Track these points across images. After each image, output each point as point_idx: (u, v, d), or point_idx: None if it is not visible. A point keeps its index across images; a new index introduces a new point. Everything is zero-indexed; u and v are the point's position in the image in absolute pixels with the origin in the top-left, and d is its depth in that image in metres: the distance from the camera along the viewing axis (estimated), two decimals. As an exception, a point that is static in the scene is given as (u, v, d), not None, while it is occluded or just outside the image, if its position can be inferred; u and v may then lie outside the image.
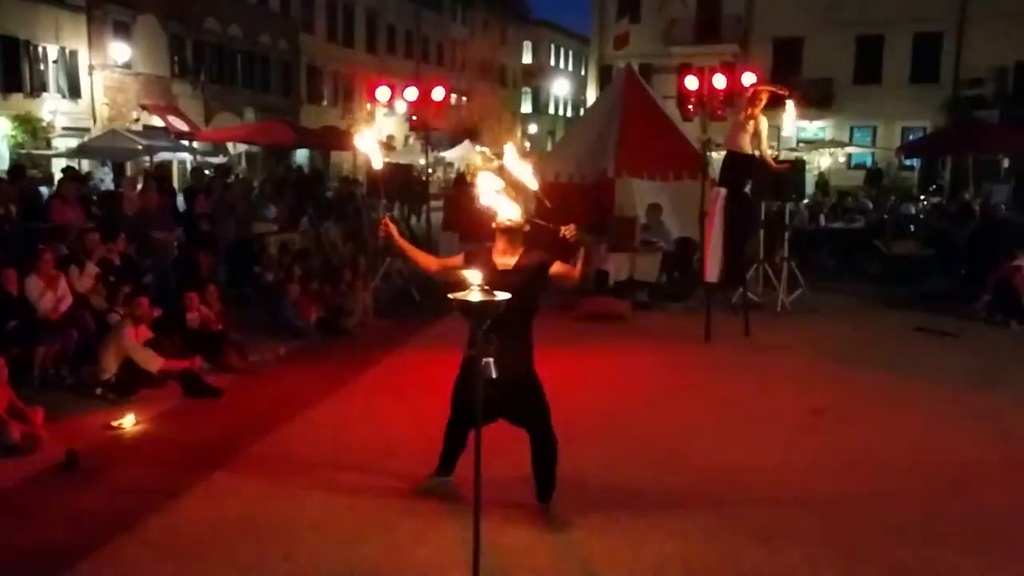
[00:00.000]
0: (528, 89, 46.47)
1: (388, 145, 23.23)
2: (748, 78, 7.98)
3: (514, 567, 3.22)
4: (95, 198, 10.52)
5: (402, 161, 15.54)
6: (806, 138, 23.66)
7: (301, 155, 24.58)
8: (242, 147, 21.65)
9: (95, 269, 6.40)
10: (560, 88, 46.79)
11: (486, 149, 30.94)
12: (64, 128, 18.18)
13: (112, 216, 8.60)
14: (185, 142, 18.75)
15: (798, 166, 9.10)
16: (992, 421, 5.08)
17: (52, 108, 17.96)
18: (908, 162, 22.25)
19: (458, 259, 3.64)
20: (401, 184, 10.19)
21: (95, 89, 19.46)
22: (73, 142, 17.48)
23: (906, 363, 6.45)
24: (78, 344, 5.65)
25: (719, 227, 7.33)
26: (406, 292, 9.07)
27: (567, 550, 3.38)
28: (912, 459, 4.44)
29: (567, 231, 3.30)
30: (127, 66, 20.31)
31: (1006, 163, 19.08)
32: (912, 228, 12.24)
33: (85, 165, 16.74)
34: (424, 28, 35.43)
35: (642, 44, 25.89)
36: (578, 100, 44.78)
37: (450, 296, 2.56)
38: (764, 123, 7.46)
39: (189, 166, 19.24)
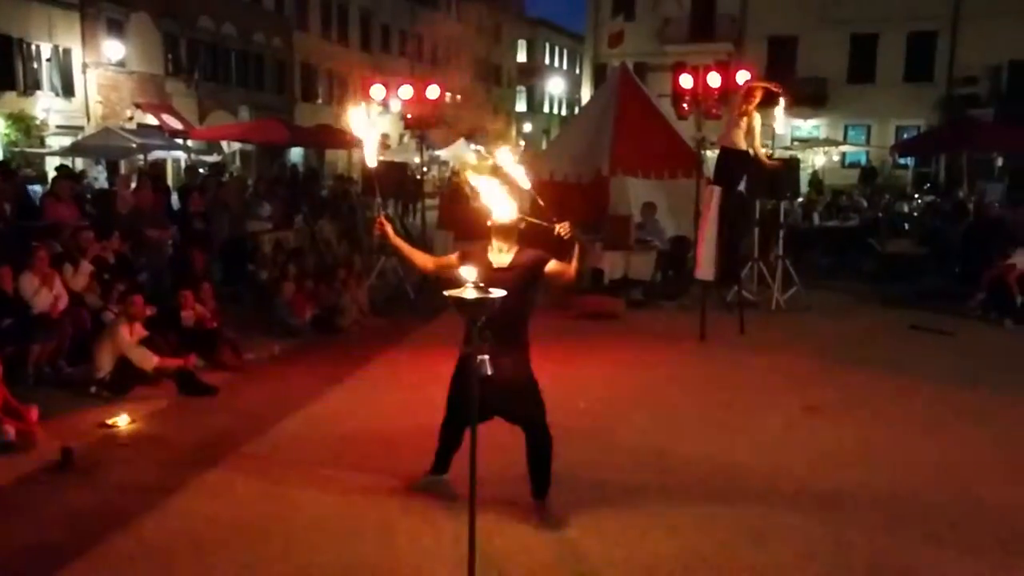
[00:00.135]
0: (523, 87, 46.47)
1: (383, 143, 23.19)
2: (743, 76, 8.00)
3: (510, 565, 3.22)
4: (89, 196, 10.48)
5: (397, 159, 15.53)
6: (800, 137, 23.75)
7: (296, 153, 24.52)
8: (236, 145, 21.59)
9: (89, 267, 6.38)
10: (555, 86, 46.82)
11: (481, 148, 30.94)
12: (58, 126, 18.10)
13: (106, 214, 8.56)
14: (179, 140, 18.68)
15: (792, 164, 9.13)
16: (986, 419, 5.11)
17: (46, 106, 17.87)
18: (902, 161, 22.33)
19: (453, 258, 3.64)
20: (396, 182, 10.18)
21: (89, 87, 19.37)
22: (67, 140, 17.41)
23: (901, 361, 6.48)
24: (73, 340, 5.64)
25: (713, 225, 7.34)
26: (401, 290, 9.06)
27: (562, 547, 3.38)
28: (906, 457, 4.46)
29: (562, 228, 3.30)
30: (121, 64, 20.23)
31: (1000, 161, 19.18)
32: (906, 226, 12.30)
33: (79, 163, 16.68)
34: (419, 26, 35.37)
35: (637, 43, 25.91)
36: (573, 99, 44.80)
37: (445, 293, 2.57)
38: (758, 120, 7.48)
39: (183, 164, 19.17)
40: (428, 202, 13.61)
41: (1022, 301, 7.97)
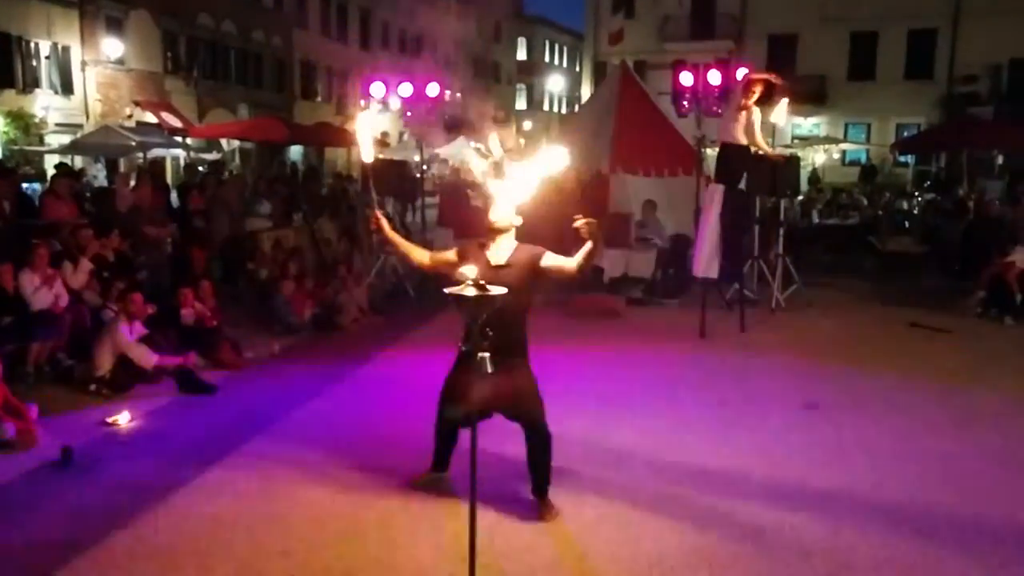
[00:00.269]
0: (522, 86, 46.42)
1: (382, 142, 23.17)
2: (742, 74, 8.00)
3: (511, 562, 3.22)
4: (88, 194, 10.46)
5: (396, 158, 15.50)
6: (800, 134, 23.76)
7: (295, 151, 24.51)
8: (235, 143, 21.56)
9: (89, 265, 6.37)
10: (555, 84, 46.76)
11: (481, 145, 30.92)
12: (57, 124, 18.08)
13: (105, 212, 8.55)
14: (178, 138, 18.66)
15: (792, 162, 9.13)
16: (986, 417, 5.11)
17: (45, 104, 17.85)
18: (902, 159, 22.33)
19: (450, 253, 3.63)
20: (396, 181, 10.17)
21: (88, 85, 19.35)
22: (66, 138, 17.38)
23: (900, 359, 6.48)
24: (73, 335, 5.64)
25: (714, 223, 7.34)
26: (400, 289, 9.06)
27: (563, 545, 3.38)
28: (906, 455, 4.46)
29: (582, 226, 3.24)
30: (120, 62, 20.20)
31: (1000, 160, 19.17)
32: (907, 224, 12.30)
33: (78, 161, 16.67)
34: (418, 24, 35.32)
35: (637, 40, 25.90)
36: (573, 97, 44.77)
37: (446, 291, 2.56)
38: (757, 114, 7.48)
39: (182, 162, 19.16)
40: (428, 200, 13.59)
41: (1022, 299, 7.97)
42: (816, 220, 12.65)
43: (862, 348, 6.92)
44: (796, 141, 21.90)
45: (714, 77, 8.36)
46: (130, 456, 4.36)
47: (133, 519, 3.56)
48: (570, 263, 3.50)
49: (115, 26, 20.07)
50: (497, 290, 2.55)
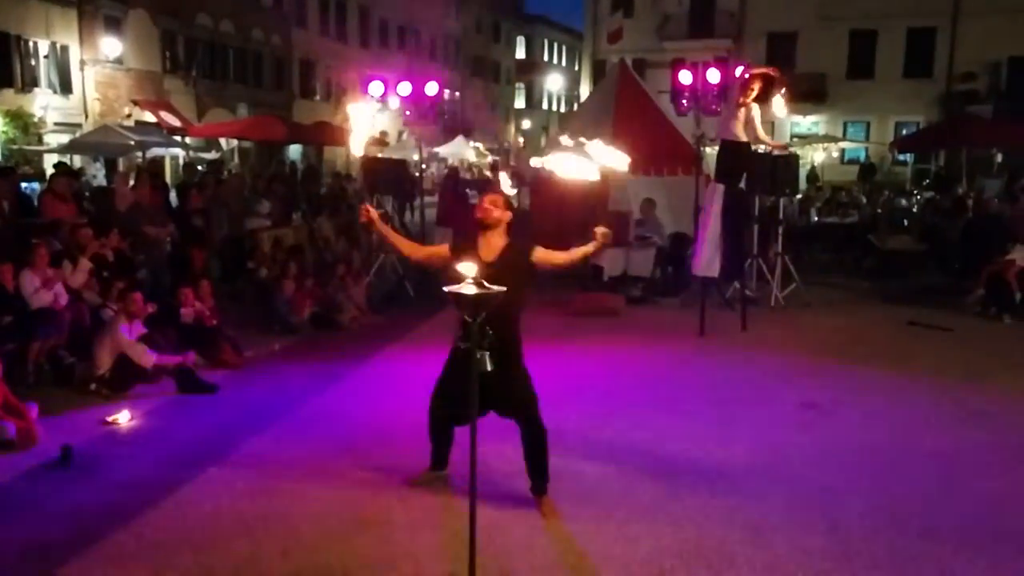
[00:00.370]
0: (521, 84, 46.41)
1: (381, 141, 23.16)
2: (739, 70, 8.00)
3: (510, 560, 3.23)
4: (87, 194, 10.46)
5: (395, 156, 15.48)
6: (799, 133, 23.76)
7: (294, 150, 24.50)
8: (234, 142, 21.53)
9: (88, 264, 6.38)
10: (553, 83, 46.77)
11: (480, 144, 30.89)
12: (56, 124, 18.06)
13: (105, 212, 8.55)
14: (177, 138, 18.64)
15: (791, 160, 9.14)
16: (985, 415, 5.12)
17: (43, 103, 17.83)
18: (901, 157, 22.34)
19: (443, 248, 3.67)
20: (394, 179, 10.18)
21: (86, 84, 19.32)
22: (65, 138, 17.36)
23: (899, 357, 6.49)
24: (72, 333, 5.64)
25: (716, 222, 7.35)
26: (400, 287, 9.06)
27: (563, 543, 3.39)
28: (905, 452, 4.47)
29: (600, 235, 3.31)
30: (118, 61, 20.18)
31: (999, 158, 19.18)
32: (905, 223, 12.30)
33: (77, 161, 16.65)
34: (417, 23, 35.30)
35: (635, 39, 25.87)
36: (571, 95, 44.76)
37: (445, 289, 2.56)
38: (756, 110, 7.48)
39: (181, 162, 19.14)
40: (428, 199, 13.59)
41: (1021, 297, 7.98)
42: (815, 218, 12.65)
43: (861, 346, 6.92)
44: (795, 139, 21.88)
45: (713, 76, 8.37)
46: (130, 455, 4.37)
47: (133, 518, 3.56)
48: (560, 257, 3.54)
49: (114, 25, 20.04)
50: (497, 288, 2.55)
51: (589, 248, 3.44)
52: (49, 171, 12.68)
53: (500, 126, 37.41)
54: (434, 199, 13.83)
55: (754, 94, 7.33)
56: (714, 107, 8.55)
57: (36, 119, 17.35)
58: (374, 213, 3.66)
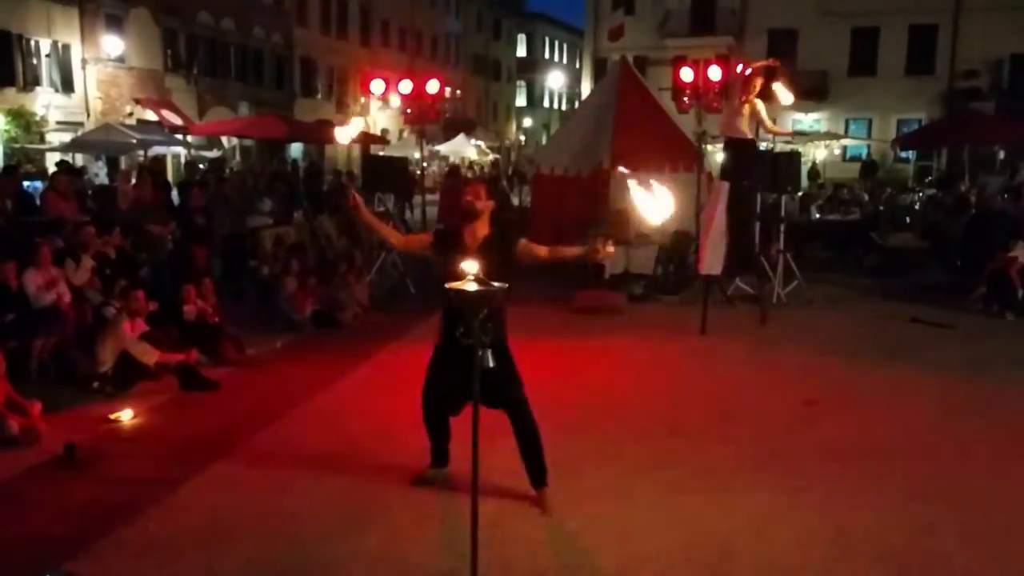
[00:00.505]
0: (522, 82, 46.37)
1: (382, 139, 23.17)
2: (740, 68, 8.00)
3: (512, 557, 3.24)
4: (90, 192, 10.48)
5: (396, 155, 15.49)
6: (801, 130, 23.69)
7: (296, 149, 24.50)
8: (236, 141, 21.56)
9: (91, 262, 6.39)
10: (555, 81, 46.72)
11: (481, 143, 30.89)
12: (58, 122, 18.07)
13: (107, 210, 8.57)
14: (179, 136, 18.66)
15: (793, 157, 9.12)
16: (987, 412, 5.11)
17: (45, 102, 17.84)
18: (903, 154, 22.30)
19: (427, 235, 3.72)
20: (395, 177, 10.19)
21: (88, 83, 19.33)
22: (67, 136, 17.38)
23: (902, 354, 6.48)
24: (76, 331, 5.65)
25: (721, 220, 7.34)
26: (401, 285, 9.07)
27: (564, 540, 3.40)
28: (907, 449, 4.47)
29: (604, 253, 3.34)
30: (120, 60, 20.18)
31: (1001, 155, 19.14)
32: (908, 220, 12.28)
33: (79, 159, 16.66)
34: (418, 21, 35.28)
35: (637, 37, 25.82)
36: (573, 93, 44.70)
37: (447, 286, 2.57)
38: (760, 104, 7.47)
39: (183, 160, 19.16)
40: (429, 197, 13.60)
41: (1023, 294, 7.96)
42: (816, 216, 12.63)
43: (863, 344, 6.92)
44: (797, 137, 21.85)
45: (714, 73, 8.34)
46: (133, 452, 4.38)
47: (137, 515, 3.58)
48: (544, 251, 3.58)
49: (115, 24, 20.05)
50: (499, 285, 2.55)
51: (578, 251, 3.46)
52: (51, 170, 12.69)
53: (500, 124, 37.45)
54: (435, 197, 13.85)
55: (757, 90, 7.33)
56: (715, 104, 8.53)
57: (38, 118, 17.37)
58: (360, 200, 3.67)
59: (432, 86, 9.48)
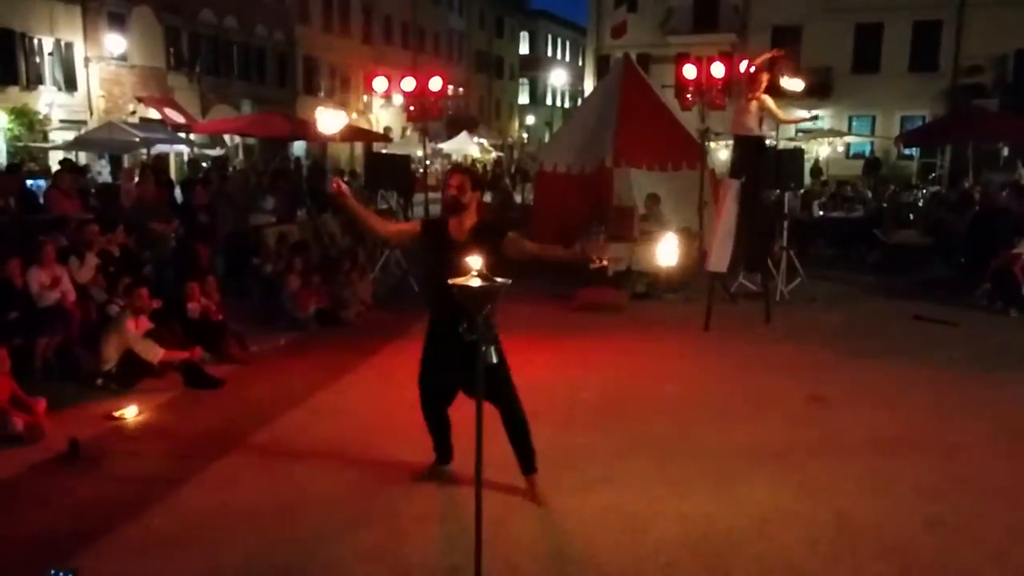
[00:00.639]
0: (525, 80, 46.31)
1: (384, 136, 23.18)
2: (744, 65, 7.97)
3: (516, 553, 3.24)
4: (93, 191, 10.51)
5: (399, 153, 15.49)
6: (804, 127, 23.62)
7: (298, 147, 24.50)
8: (239, 139, 21.57)
9: (95, 260, 6.41)
10: (557, 79, 46.68)
11: (484, 140, 30.87)
12: (61, 121, 18.10)
13: (110, 208, 8.59)
14: (182, 134, 18.68)
15: (796, 154, 9.09)
16: (991, 409, 5.10)
17: (48, 101, 17.87)
18: (907, 151, 22.22)
19: (413, 225, 3.74)
20: (397, 175, 10.20)
21: (91, 81, 19.36)
22: (70, 135, 17.41)
23: (905, 351, 6.47)
24: (81, 329, 5.67)
25: (730, 218, 7.33)
26: (404, 283, 9.07)
27: (568, 534, 3.40)
28: (910, 446, 4.46)
29: (597, 266, 3.34)
30: (123, 58, 20.20)
31: (1006, 151, 19.06)
32: (911, 217, 12.24)
33: (82, 158, 16.69)
34: (421, 19, 35.25)
35: (640, 34, 25.77)
36: (576, 91, 44.64)
37: (450, 282, 2.57)
38: (768, 99, 7.47)
39: (186, 158, 19.19)
40: (433, 195, 13.61)
41: (1028, 291, 7.93)
42: (819, 213, 12.60)
43: (867, 341, 6.91)
44: (800, 134, 21.79)
45: (717, 70, 8.33)
46: (137, 449, 4.39)
47: (141, 511, 3.59)
48: (533, 247, 3.59)
49: (118, 22, 20.06)
50: (503, 280, 2.55)
51: (571, 255, 3.46)
52: (54, 168, 12.72)
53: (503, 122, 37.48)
54: (439, 195, 13.83)
55: (764, 87, 7.31)
56: (718, 101, 8.51)
57: (41, 116, 17.39)
58: (345, 188, 3.63)
59: (435, 83, 9.47)
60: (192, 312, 6.22)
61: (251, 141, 22.12)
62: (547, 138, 37.02)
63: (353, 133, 17.45)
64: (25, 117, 16.79)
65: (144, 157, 16.85)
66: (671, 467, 4.10)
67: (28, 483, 3.97)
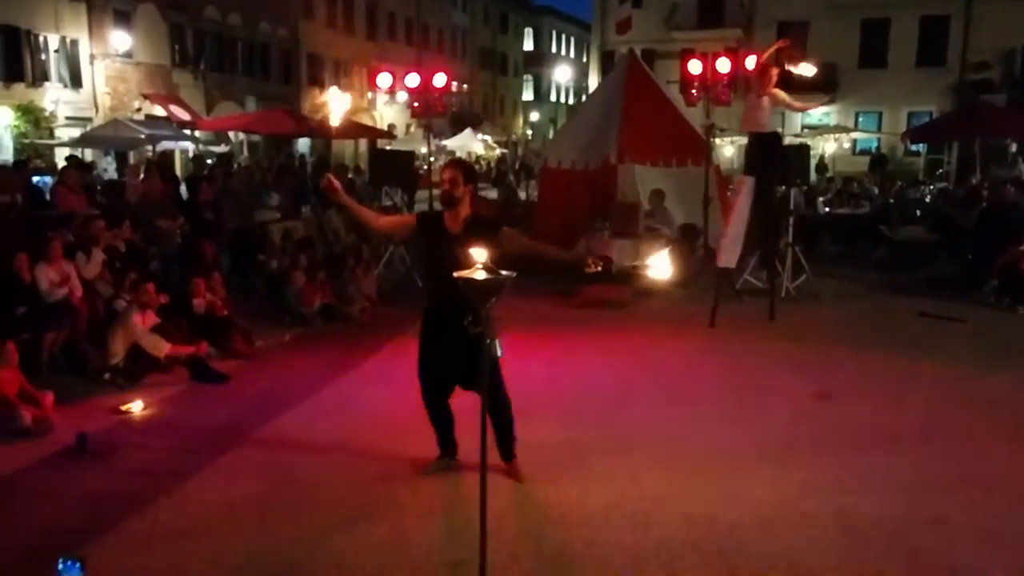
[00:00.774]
0: (529, 76, 46.24)
1: (388, 133, 23.17)
2: (750, 61, 7.93)
3: (520, 547, 3.25)
4: (99, 187, 10.55)
5: (403, 149, 15.48)
6: (810, 124, 23.55)
7: (303, 143, 24.52)
8: (243, 135, 21.61)
9: (102, 256, 6.43)
10: (562, 75, 46.56)
11: (488, 137, 30.83)
12: (67, 118, 18.15)
13: (117, 204, 8.62)
14: (187, 131, 18.73)
15: (803, 150, 9.05)
16: (998, 406, 5.08)
17: (54, 98, 17.92)
18: (914, 147, 22.09)
19: (409, 218, 3.76)
20: (401, 171, 10.20)
21: (96, 78, 19.41)
22: (76, 132, 17.46)
23: (911, 348, 6.44)
24: (88, 325, 5.70)
25: (742, 214, 7.31)
26: (409, 279, 9.09)
27: (573, 530, 3.40)
28: (916, 443, 4.44)
29: (592, 266, 3.38)
30: (128, 55, 20.25)
31: (1013, 148, 18.94)
32: (918, 213, 12.19)
33: (88, 155, 16.75)
34: (425, 15, 35.20)
35: (644, 30, 25.71)
36: (580, 87, 44.57)
37: (455, 275, 2.57)
38: (781, 92, 7.45)
39: (191, 155, 19.23)
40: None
41: (1035, 287, 7.89)
42: (826, 209, 12.55)
43: (872, 337, 6.88)
44: (806, 130, 21.71)
45: (723, 65, 8.29)
46: (143, 443, 4.42)
47: (147, 504, 3.61)
48: (529, 244, 3.60)
49: (123, 19, 20.10)
50: (507, 273, 2.55)
51: (568, 257, 3.47)
52: (60, 165, 12.77)
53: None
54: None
55: (775, 81, 7.29)
56: (723, 97, 8.47)
57: (47, 113, 17.45)
58: (337, 183, 3.62)
59: (439, 79, 9.46)
60: (198, 308, 6.24)
61: (255, 138, 22.17)
62: (551, 135, 36.97)
63: (357, 130, 17.48)
64: (31, 114, 16.84)
65: (149, 154, 16.89)
66: (675, 462, 4.10)
67: (36, 475, 4.00)
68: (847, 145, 24.09)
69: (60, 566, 2.08)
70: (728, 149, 20.42)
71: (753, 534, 3.36)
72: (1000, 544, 3.32)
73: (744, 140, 9.46)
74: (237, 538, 3.33)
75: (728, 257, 7.40)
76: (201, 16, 22.74)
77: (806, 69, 7.83)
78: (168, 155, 18.82)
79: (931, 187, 15.44)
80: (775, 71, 7.32)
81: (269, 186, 11.16)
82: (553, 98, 47.72)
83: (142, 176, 9.60)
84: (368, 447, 4.28)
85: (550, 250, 3.64)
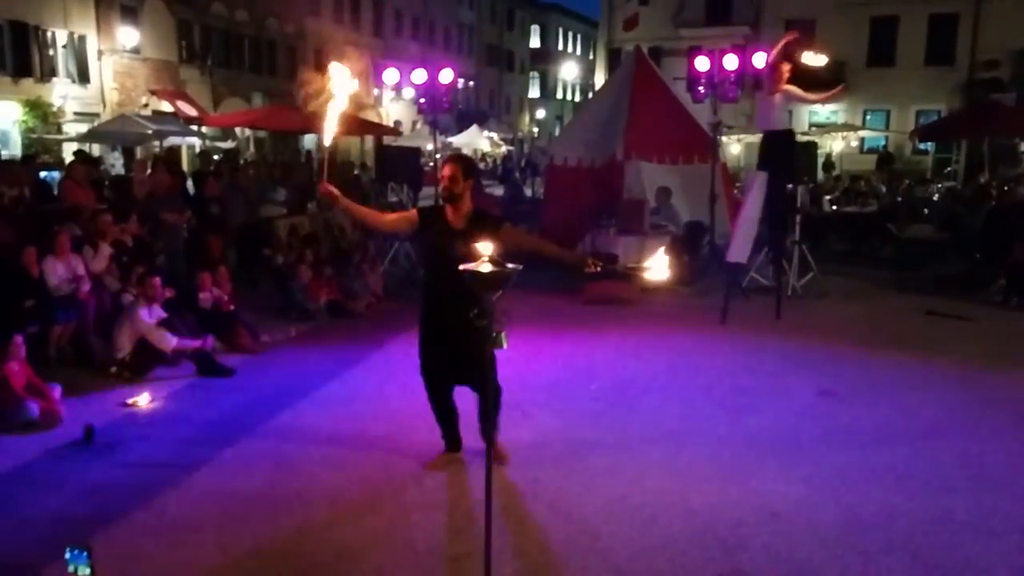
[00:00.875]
0: (536, 73, 46.17)
1: (394, 130, 23.17)
2: (759, 59, 7.90)
3: (525, 541, 3.25)
4: (107, 182, 10.58)
5: (409, 145, 15.50)
6: (818, 122, 23.46)
7: (309, 139, 24.56)
8: (250, 131, 21.65)
9: (109, 250, 6.46)
10: (568, 72, 46.48)
11: (494, 134, 30.83)
12: (75, 113, 18.24)
13: (124, 199, 8.65)
14: (194, 127, 18.78)
15: (810, 148, 9.02)
16: (1004, 404, 5.05)
17: (62, 93, 18.01)
18: (922, 146, 21.97)
19: (411, 214, 3.75)
20: (407, 168, 10.21)
21: (104, 74, 19.49)
22: (83, 127, 17.55)
23: (918, 346, 6.42)
24: (95, 318, 5.73)
25: (754, 211, 7.29)
26: (414, 275, 9.09)
27: (577, 526, 3.40)
28: (922, 440, 4.42)
29: (591, 269, 3.37)
30: (135, 51, 20.33)
31: (1022, 147, 18.80)
32: (926, 211, 12.12)
33: (96, 150, 16.81)
34: (431, 12, 35.18)
35: (651, 27, 25.63)
36: (586, 84, 44.45)
37: (461, 268, 2.57)
38: (793, 88, 7.43)
39: (198, 150, 19.29)
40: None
41: (1043, 287, 7.84)
42: (833, 207, 12.49)
43: (879, 336, 6.85)
44: (813, 128, 21.62)
45: (730, 62, 8.26)
46: (150, 436, 4.44)
47: (153, 496, 3.63)
48: (530, 241, 3.61)
49: (130, 15, 20.18)
50: (513, 266, 2.55)
51: (569, 257, 3.47)
52: (68, 159, 12.81)
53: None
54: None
55: (786, 77, 7.26)
56: (731, 94, 8.44)
57: (55, 108, 17.53)
58: (333, 188, 3.54)
59: (445, 76, 9.45)
60: (204, 302, 6.27)
61: (262, 134, 22.21)
62: (558, 132, 36.94)
63: (363, 126, 17.48)
64: (39, 109, 16.93)
65: (156, 149, 16.95)
66: (680, 459, 4.09)
67: (44, 467, 4.02)
68: (855, 143, 23.94)
69: (68, 556, 2.10)
70: (735, 147, 20.33)
71: (758, 529, 3.36)
72: (1008, 543, 3.30)
73: (752, 138, 9.45)
74: (243, 529, 3.35)
75: (739, 252, 7.38)
76: (208, 12, 22.79)
77: (817, 60, 7.80)
78: (175, 151, 18.89)
79: (939, 186, 15.35)
80: (786, 67, 7.29)
81: (275, 182, 11.17)
82: (559, 95, 47.65)
83: (149, 171, 9.63)
84: (373, 440, 4.29)
85: (551, 248, 3.64)
